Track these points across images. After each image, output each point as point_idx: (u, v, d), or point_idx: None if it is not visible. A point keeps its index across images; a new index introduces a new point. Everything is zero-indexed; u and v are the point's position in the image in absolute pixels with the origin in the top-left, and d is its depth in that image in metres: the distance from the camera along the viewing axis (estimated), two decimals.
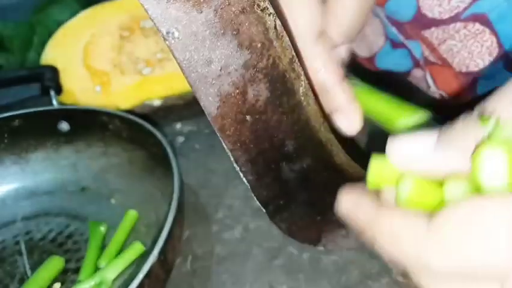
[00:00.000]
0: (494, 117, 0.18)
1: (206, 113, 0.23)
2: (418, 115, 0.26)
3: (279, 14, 0.30)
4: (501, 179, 0.18)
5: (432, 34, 0.45)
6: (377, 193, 0.23)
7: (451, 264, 0.19)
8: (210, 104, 0.23)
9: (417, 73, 0.50)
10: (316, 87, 0.28)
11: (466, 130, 0.20)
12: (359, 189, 0.24)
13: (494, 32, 0.42)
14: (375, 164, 0.22)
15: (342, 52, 0.32)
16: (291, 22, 0.29)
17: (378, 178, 0.22)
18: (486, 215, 0.18)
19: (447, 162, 0.20)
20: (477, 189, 0.19)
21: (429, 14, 0.44)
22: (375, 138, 0.27)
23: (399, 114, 0.26)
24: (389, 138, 0.22)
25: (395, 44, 0.50)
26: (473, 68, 0.44)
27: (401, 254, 0.21)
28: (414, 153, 0.21)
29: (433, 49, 0.46)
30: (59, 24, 0.62)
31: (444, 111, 0.26)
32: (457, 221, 0.19)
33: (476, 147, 0.19)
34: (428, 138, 0.21)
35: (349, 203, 0.24)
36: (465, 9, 0.42)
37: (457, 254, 0.19)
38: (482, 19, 0.42)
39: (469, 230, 0.18)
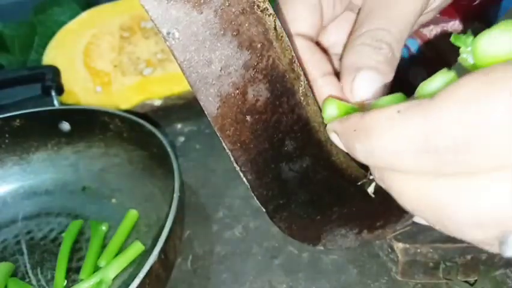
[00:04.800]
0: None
1: (206, 113, 0.23)
2: None
3: (279, 14, 0.30)
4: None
5: (431, 31, 0.45)
6: None
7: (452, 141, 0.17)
8: (210, 104, 0.23)
9: (415, 69, 0.50)
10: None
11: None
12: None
13: None
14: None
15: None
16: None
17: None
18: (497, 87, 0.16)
19: None
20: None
21: None
22: None
23: None
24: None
25: None
26: None
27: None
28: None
29: (431, 46, 0.46)
30: (60, 24, 0.62)
31: None
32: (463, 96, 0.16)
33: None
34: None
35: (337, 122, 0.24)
36: None
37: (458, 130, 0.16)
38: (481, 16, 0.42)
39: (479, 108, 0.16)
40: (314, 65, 0.29)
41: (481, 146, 0.16)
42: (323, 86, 0.28)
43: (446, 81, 0.19)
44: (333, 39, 0.32)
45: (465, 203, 0.18)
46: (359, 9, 0.29)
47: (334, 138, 0.25)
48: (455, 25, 0.43)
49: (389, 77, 0.27)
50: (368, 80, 0.26)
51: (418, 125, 0.17)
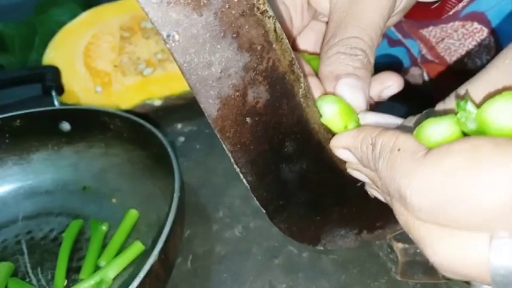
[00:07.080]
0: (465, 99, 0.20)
1: (206, 115, 0.23)
2: None
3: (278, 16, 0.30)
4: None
5: (430, 33, 0.45)
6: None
7: (431, 206, 0.19)
8: (210, 106, 0.23)
9: (414, 71, 0.50)
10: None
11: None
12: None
13: (492, 30, 0.42)
14: None
15: None
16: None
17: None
18: (485, 159, 0.18)
19: None
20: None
21: None
22: None
23: None
24: None
25: (392, 42, 0.50)
26: (471, 67, 0.44)
27: (389, 176, 0.21)
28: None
29: (431, 47, 0.46)
30: (60, 24, 0.62)
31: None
32: (454, 162, 0.19)
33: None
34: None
35: (347, 139, 0.26)
36: (463, 8, 0.42)
37: (440, 196, 0.19)
38: (480, 18, 0.42)
39: (464, 174, 0.18)
40: None
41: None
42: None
43: (447, 135, 0.21)
44: (302, 48, 0.33)
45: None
46: (327, 21, 0.30)
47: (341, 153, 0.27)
48: (454, 26, 0.43)
49: (367, 81, 0.28)
50: (348, 86, 0.27)
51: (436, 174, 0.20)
